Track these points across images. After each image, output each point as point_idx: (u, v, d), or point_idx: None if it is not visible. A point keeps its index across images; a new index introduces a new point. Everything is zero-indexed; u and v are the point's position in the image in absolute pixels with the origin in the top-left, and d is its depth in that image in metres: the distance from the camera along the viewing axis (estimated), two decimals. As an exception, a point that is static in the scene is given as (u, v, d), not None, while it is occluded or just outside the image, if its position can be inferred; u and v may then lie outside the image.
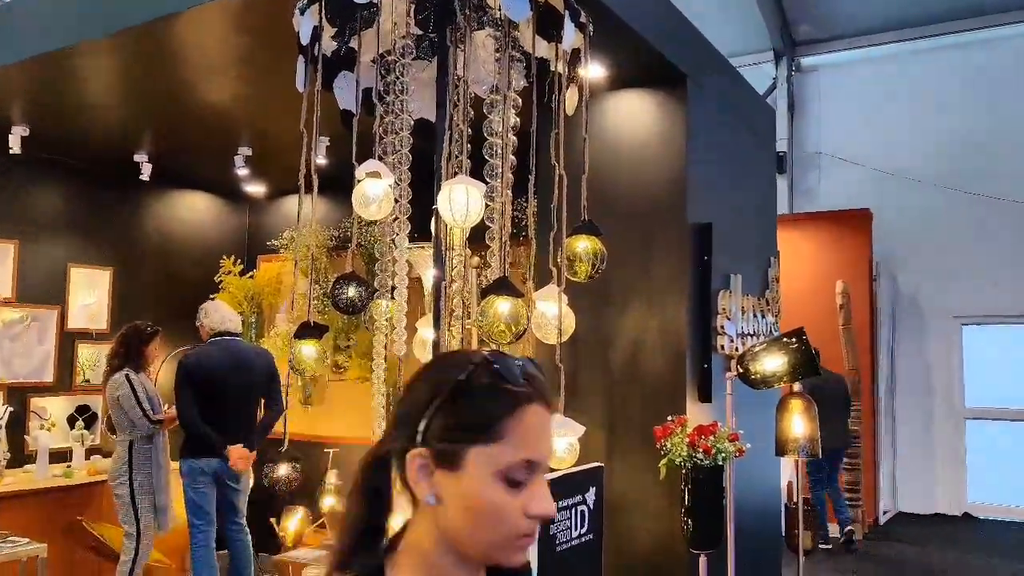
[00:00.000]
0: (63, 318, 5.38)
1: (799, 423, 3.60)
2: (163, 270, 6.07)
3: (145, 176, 5.25)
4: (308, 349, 2.81)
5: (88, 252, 5.57)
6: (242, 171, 5.28)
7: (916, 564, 6.55)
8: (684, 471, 3.01)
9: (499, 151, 2.80)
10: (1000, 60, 8.74)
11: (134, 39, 3.46)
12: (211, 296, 5.64)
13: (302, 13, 2.86)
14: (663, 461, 3.03)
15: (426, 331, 3.10)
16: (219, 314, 4.67)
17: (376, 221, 3.04)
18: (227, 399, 4.43)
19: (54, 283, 5.36)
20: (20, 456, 4.93)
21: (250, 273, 6.31)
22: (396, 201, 2.91)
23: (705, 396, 3.57)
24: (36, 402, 5.20)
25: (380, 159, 2.97)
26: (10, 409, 4.87)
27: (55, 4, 3.71)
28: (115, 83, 4.11)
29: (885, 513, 8.36)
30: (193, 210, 6.39)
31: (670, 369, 3.51)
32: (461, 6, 2.87)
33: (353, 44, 3.12)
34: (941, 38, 9.05)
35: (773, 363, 3.13)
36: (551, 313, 2.98)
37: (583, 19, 2.93)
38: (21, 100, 4.30)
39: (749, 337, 3.97)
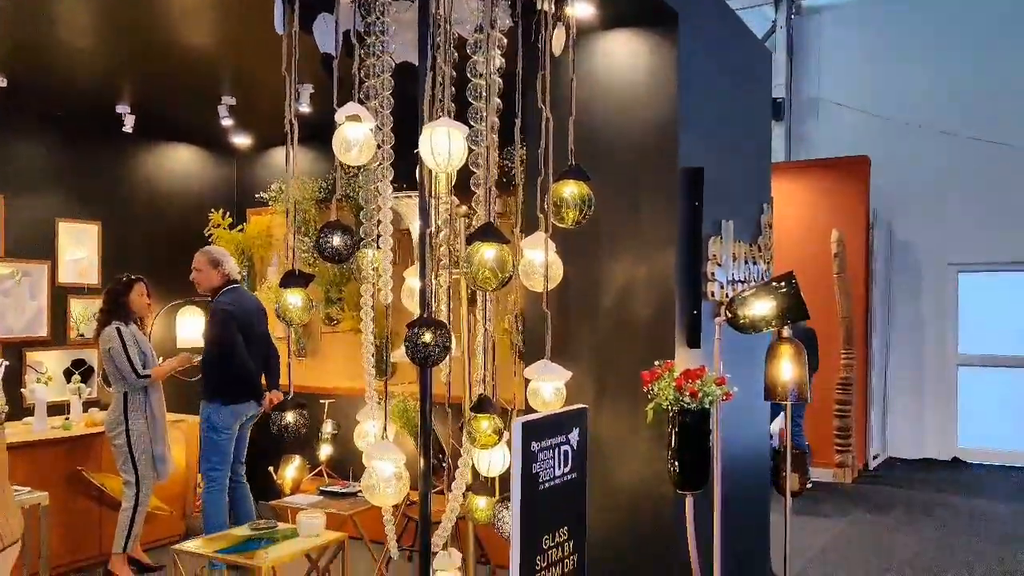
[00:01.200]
0: (54, 273, 5.36)
1: (788, 368, 3.61)
2: (152, 224, 6.03)
3: (128, 128, 5.18)
4: (294, 298, 2.80)
5: (75, 206, 5.53)
6: (226, 121, 5.21)
7: (903, 504, 6.68)
8: (671, 414, 3.03)
9: (482, 93, 2.75)
10: (1008, 1, 8.55)
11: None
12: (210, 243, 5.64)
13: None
14: (650, 405, 3.04)
15: (414, 280, 3.09)
16: (231, 261, 4.68)
17: (361, 170, 3.02)
18: (254, 344, 4.53)
19: (43, 238, 5.33)
20: (18, 410, 4.98)
21: (240, 226, 6.28)
22: (379, 147, 2.87)
23: (694, 342, 3.57)
24: (32, 356, 5.22)
25: (362, 103, 2.92)
26: (6, 363, 4.88)
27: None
28: (93, 26, 4.00)
29: (875, 458, 8.50)
30: (180, 162, 6.32)
31: (659, 315, 3.50)
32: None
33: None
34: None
35: (762, 307, 3.13)
36: (539, 260, 2.96)
37: (568, -45, 2.85)
38: (-1, 49, 4.22)
39: (740, 284, 3.96)
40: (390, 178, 2.95)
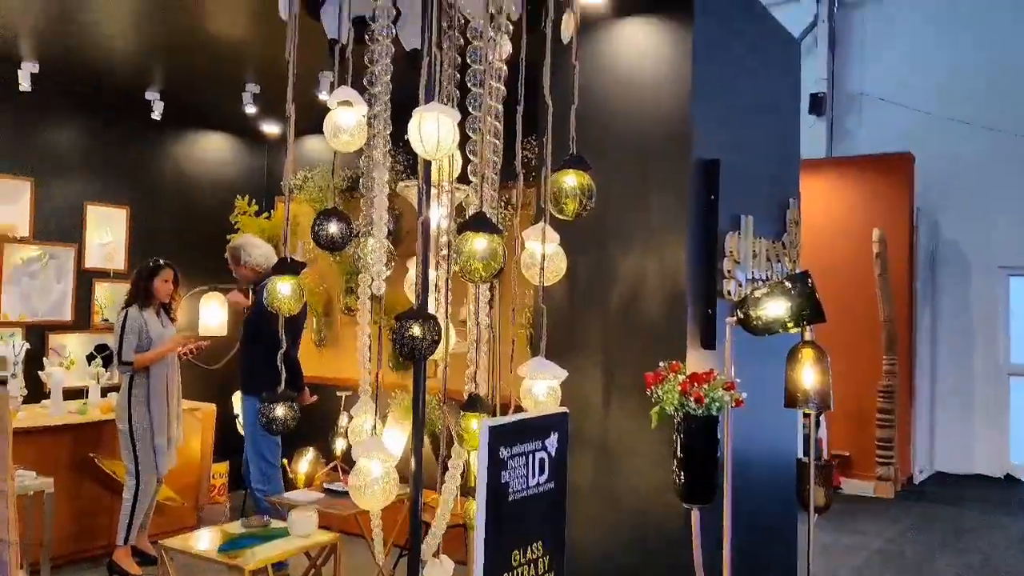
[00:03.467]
0: (80, 256, 5.43)
1: (810, 374, 3.42)
2: (180, 210, 6.07)
3: (157, 115, 5.21)
4: (284, 286, 2.74)
5: (104, 190, 5.59)
6: (250, 109, 5.20)
7: (948, 523, 6.35)
8: (676, 420, 2.88)
9: (480, 78, 2.64)
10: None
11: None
12: (228, 237, 5.64)
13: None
14: (654, 409, 2.90)
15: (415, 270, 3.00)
16: (263, 249, 4.65)
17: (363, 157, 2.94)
18: (294, 336, 4.54)
19: (71, 221, 5.41)
20: (39, 392, 5.04)
21: (266, 213, 6.29)
22: (378, 134, 2.79)
23: (708, 343, 3.41)
24: (55, 339, 5.29)
25: (365, 90, 2.85)
26: (26, 346, 4.96)
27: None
28: (122, 12, 4.01)
29: (921, 472, 8.13)
30: (210, 150, 6.36)
31: (670, 313, 3.36)
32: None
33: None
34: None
35: (776, 308, 2.95)
36: (540, 252, 2.85)
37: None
38: (29, 35, 4.25)
39: (762, 282, 3.78)
40: (387, 165, 2.88)
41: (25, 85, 4.49)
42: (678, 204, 3.35)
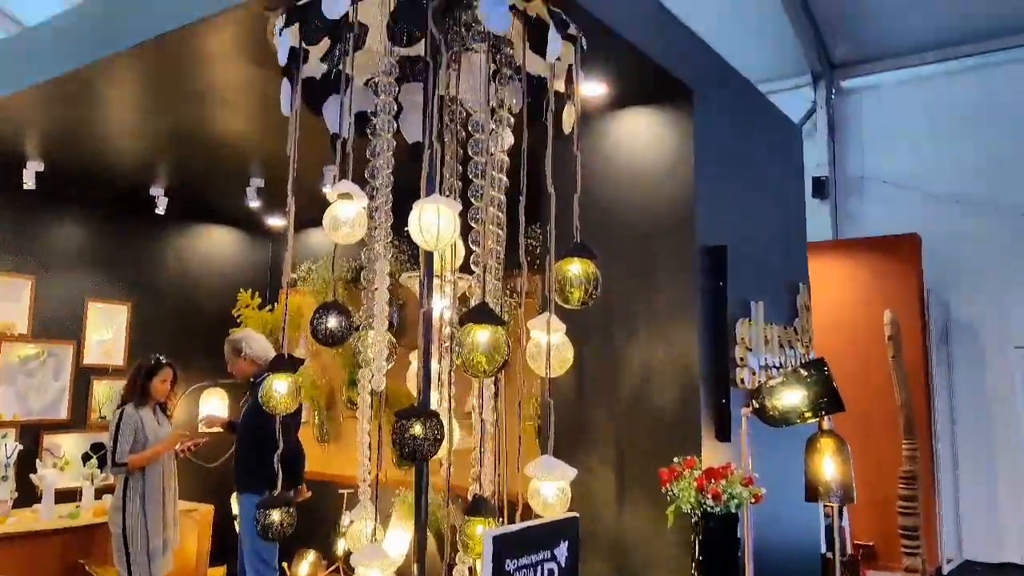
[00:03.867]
0: (79, 354, 5.35)
1: (831, 465, 3.27)
2: (183, 304, 6.03)
3: (160, 210, 5.23)
4: (280, 384, 2.64)
5: (106, 286, 5.56)
6: (254, 203, 5.22)
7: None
8: (694, 519, 2.73)
9: (481, 169, 2.62)
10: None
11: (147, 55, 3.35)
12: (230, 330, 5.57)
13: (279, 34, 2.76)
14: (670, 508, 2.76)
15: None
16: (263, 343, 4.59)
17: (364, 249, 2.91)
18: (296, 423, 4.52)
19: (71, 318, 5.35)
20: (31, 494, 4.86)
21: (270, 306, 6.24)
22: (379, 226, 2.76)
23: (723, 434, 3.27)
24: (50, 439, 5.15)
25: (367, 182, 2.84)
26: (19, 447, 4.82)
27: (72, 23, 3.67)
28: (127, 114, 4.07)
29: (949, 562, 7.75)
30: (214, 244, 6.37)
31: (682, 404, 3.23)
32: (443, 20, 2.73)
33: (342, 66, 3.03)
34: (987, 55, 8.63)
35: (792, 397, 2.84)
36: (545, 342, 2.76)
37: (572, 31, 2.75)
38: (35, 136, 4.31)
39: (775, 369, 3.67)
40: (389, 257, 2.83)
41: (29, 183, 4.52)
42: (686, 292, 3.28)
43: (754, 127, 4.15)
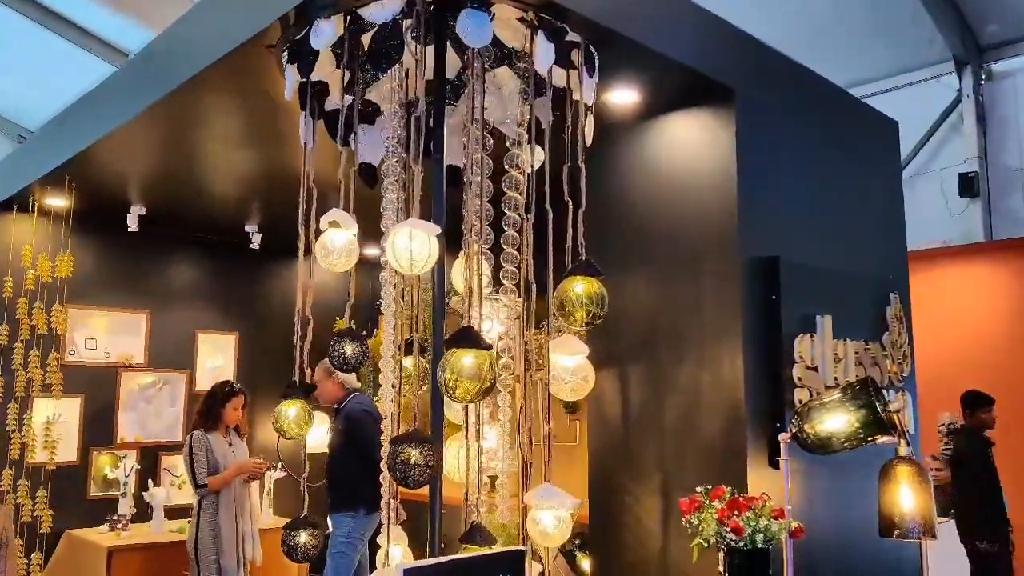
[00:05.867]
0: (192, 381, 5.77)
1: (908, 495, 2.87)
2: (286, 333, 6.29)
3: (255, 245, 5.55)
4: (291, 410, 2.69)
5: (214, 318, 5.96)
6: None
7: None
8: (722, 553, 2.49)
9: (477, 188, 2.55)
10: None
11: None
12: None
13: (283, 69, 2.85)
14: (694, 542, 2.53)
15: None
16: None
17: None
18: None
19: (183, 349, 5.78)
20: (146, 511, 5.26)
21: (364, 332, 6.43)
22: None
23: (776, 461, 2.97)
24: (167, 460, 5.58)
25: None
26: (137, 467, 5.24)
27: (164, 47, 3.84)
28: (219, 162, 4.34)
29: None
30: (313, 274, 6.66)
31: (728, 429, 2.97)
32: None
33: (369, 96, 3.08)
34: None
35: (835, 423, 2.52)
36: (562, 365, 2.64)
37: (570, 38, 2.64)
38: (138, 183, 4.71)
39: (848, 390, 3.29)
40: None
41: (133, 226, 4.94)
42: (731, 308, 3.02)
43: (830, 126, 3.79)
